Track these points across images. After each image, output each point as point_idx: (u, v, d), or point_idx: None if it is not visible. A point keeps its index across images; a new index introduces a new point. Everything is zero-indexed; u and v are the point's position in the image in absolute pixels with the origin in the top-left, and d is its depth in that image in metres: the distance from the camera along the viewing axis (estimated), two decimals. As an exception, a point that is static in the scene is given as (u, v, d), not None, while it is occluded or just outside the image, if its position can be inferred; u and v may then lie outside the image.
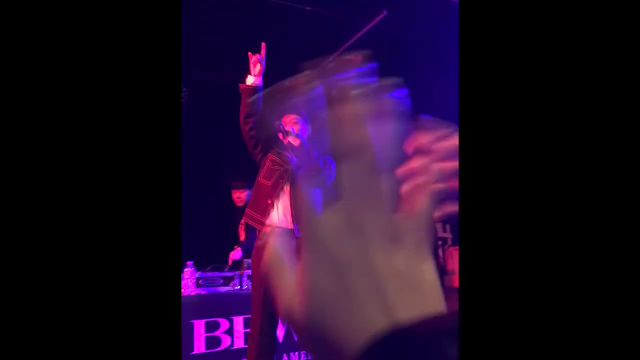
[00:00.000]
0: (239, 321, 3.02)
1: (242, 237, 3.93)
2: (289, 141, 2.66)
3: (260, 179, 2.71)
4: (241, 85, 2.72)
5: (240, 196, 3.90)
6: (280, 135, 2.68)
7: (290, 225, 2.59)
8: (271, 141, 2.74)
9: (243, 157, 4.58)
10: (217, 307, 3.02)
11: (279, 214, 2.63)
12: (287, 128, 2.67)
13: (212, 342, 2.95)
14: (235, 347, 2.98)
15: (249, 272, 3.23)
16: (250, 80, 2.70)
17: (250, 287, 3.19)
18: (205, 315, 2.98)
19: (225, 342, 2.97)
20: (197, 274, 3.11)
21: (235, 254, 3.52)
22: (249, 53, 2.69)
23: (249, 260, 3.31)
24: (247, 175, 4.04)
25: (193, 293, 3.07)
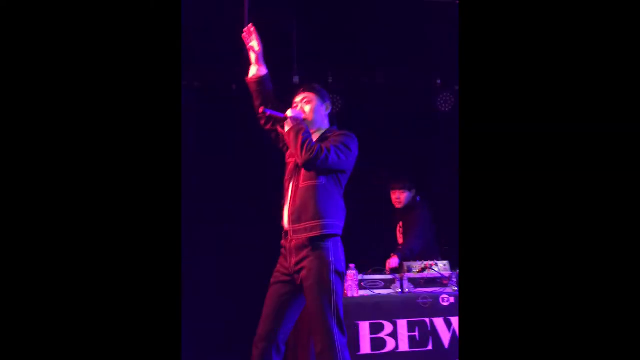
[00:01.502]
0: (402, 324, 3.02)
1: (400, 240, 3.92)
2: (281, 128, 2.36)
3: (285, 176, 2.45)
4: (246, 79, 2.49)
5: (399, 197, 3.85)
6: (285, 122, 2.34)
7: (286, 226, 2.32)
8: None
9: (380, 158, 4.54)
10: (380, 309, 3.05)
11: (285, 214, 2.34)
12: (274, 113, 2.33)
13: (377, 344, 2.99)
14: (399, 349, 2.99)
15: (410, 274, 3.21)
16: (252, 71, 2.46)
17: (411, 290, 3.18)
18: (369, 317, 3.04)
19: (390, 344, 2.99)
20: (360, 277, 3.18)
21: (393, 261, 3.53)
22: (243, 36, 2.42)
23: (409, 264, 3.30)
24: (408, 175, 4.00)
25: (356, 295, 3.14)
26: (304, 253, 2.23)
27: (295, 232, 2.26)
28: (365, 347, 2.98)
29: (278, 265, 2.36)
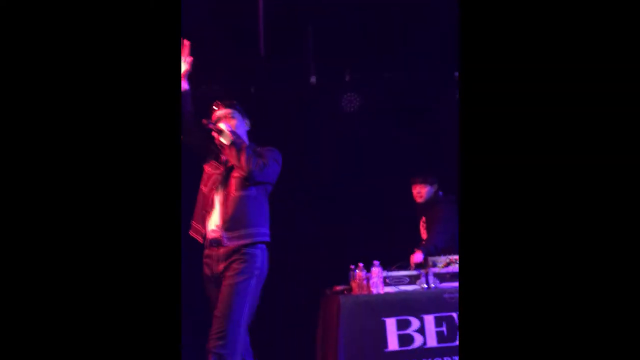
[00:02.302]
0: (429, 320, 3.01)
1: (424, 235, 3.89)
2: (220, 141, 2.47)
3: (201, 186, 2.55)
4: None
5: (420, 192, 3.81)
6: (214, 135, 2.47)
7: (218, 234, 2.40)
8: (210, 145, 2.56)
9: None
10: (406, 305, 3.04)
11: (213, 222, 2.44)
12: (219, 125, 2.46)
13: (404, 340, 2.98)
14: (427, 345, 2.97)
15: (435, 269, 3.19)
16: None
17: (437, 285, 3.16)
18: (396, 313, 3.02)
19: (418, 340, 2.98)
20: (384, 273, 3.17)
21: (417, 257, 3.51)
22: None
23: (434, 259, 3.28)
24: (428, 170, 3.98)
25: (382, 292, 3.14)
26: (232, 258, 2.37)
27: (229, 239, 2.39)
28: (393, 344, 2.97)
29: (204, 276, 2.47)
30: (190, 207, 2.54)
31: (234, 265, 2.34)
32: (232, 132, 2.48)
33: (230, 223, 2.39)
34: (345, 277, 3.33)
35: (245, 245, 2.37)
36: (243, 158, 2.40)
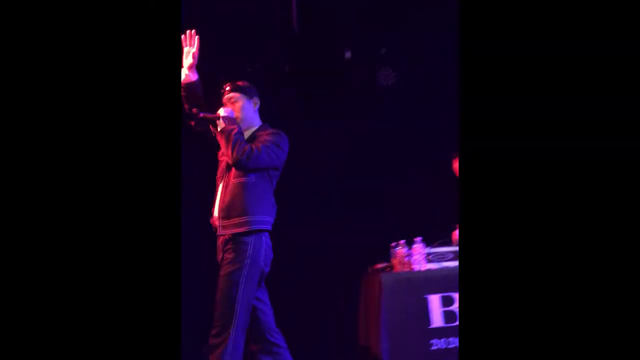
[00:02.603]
0: (474, 296, 2.96)
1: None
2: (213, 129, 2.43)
3: (217, 174, 2.54)
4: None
5: (460, 167, 3.75)
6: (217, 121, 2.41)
7: (217, 222, 2.39)
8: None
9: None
10: (449, 281, 2.99)
11: (216, 210, 2.42)
12: (208, 115, 2.41)
13: (449, 316, 2.94)
14: (473, 322, 2.93)
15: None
16: (183, 75, 2.42)
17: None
18: (439, 290, 2.98)
19: (462, 317, 2.94)
20: (427, 250, 3.12)
21: (457, 233, 3.45)
22: (182, 39, 2.41)
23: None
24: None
25: (424, 269, 3.10)
26: (227, 247, 2.33)
27: (224, 227, 2.35)
28: (437, 321, 2.94)
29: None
30: (204, 198, 2.55)
31: (226, 255, 2.32)
32: (227, 118, 2.40)
33: (225, 211, 2.36)
34: (385, 256, 3.29)
35: (239, 234, 2.32)
36: (230, 145, 2.33)
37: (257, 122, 2.57)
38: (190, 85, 2.45)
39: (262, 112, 2.65)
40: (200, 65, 2.50)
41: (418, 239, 3.10)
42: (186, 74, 2.43)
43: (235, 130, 2.37)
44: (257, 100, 2.57)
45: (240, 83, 2.56)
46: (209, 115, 2.43)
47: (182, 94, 2.44)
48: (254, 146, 2.35)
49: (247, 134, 2.50)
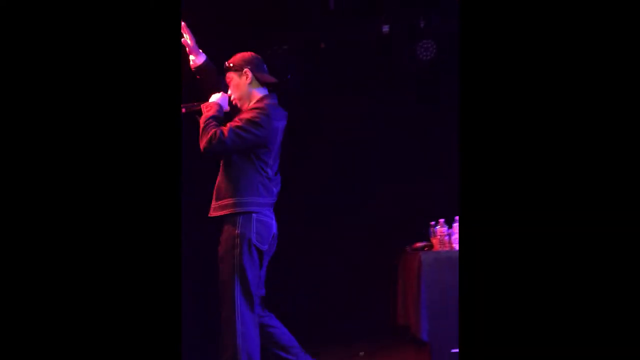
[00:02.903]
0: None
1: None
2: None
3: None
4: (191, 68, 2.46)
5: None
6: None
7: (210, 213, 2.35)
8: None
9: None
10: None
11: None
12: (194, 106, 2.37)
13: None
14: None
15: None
16: (191, 60, 2.43)
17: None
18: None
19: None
20: (449, 231, 3.12)
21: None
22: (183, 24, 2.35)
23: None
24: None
25: (445, 249, 3.06)
26: (220, 228, 2.31)
27: (214, 209, 2.34)
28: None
29: None
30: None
31: (219, 239, 2.31)
32: (205, 105, 2.34)
33: (215, 194, 2.35)
34: (422, 235, 3.26)
35: (225, 216, 2.29)
36: (200, 132, 2.25)
37: (256, 94, 2.42)
38: (199, 68, 2.44)
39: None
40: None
41: (441, 220, 3.08)
42: (192, 59, 2.43)
43: (208, 116, 2.28)
44: (248, 72, 2.39)
45: (228, 61, 2.43)
46: (192, 108, 2.39)
47: (197, 77, 2.47)
48: (222, 129, 2.22)
49: (248, 108, 2.39)
